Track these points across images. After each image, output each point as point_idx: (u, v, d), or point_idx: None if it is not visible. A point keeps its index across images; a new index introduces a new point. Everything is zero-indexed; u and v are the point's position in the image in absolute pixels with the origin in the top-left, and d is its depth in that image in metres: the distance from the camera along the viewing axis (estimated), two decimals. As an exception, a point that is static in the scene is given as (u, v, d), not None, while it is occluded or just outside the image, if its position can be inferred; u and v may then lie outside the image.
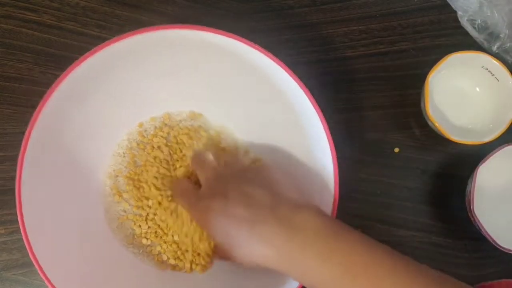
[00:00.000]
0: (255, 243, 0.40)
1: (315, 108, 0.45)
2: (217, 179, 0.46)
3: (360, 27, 0.57)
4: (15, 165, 0.55)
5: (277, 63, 0.44)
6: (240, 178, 0.45)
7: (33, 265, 0.53)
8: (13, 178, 0.55)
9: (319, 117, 0.45)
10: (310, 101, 0.45)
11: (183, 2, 0.57)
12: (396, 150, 0.55)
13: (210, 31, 0.43)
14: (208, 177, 0.47)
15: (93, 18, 0.57)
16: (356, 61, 0.56)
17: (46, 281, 0.43)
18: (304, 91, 0.45)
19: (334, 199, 0.45)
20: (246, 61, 0.46)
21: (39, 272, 0.43)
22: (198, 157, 0.49)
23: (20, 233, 0.54)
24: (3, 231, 0.54)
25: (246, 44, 0.44)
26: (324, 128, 0.45)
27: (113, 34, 0.56)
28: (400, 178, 0.54)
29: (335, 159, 0.45)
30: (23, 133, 0.55)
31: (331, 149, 0.45)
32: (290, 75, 0.44)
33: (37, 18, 0.56)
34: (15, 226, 0.54)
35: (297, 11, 0.57)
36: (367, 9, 0.57)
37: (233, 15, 0.57)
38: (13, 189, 0.54)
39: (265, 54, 0.44)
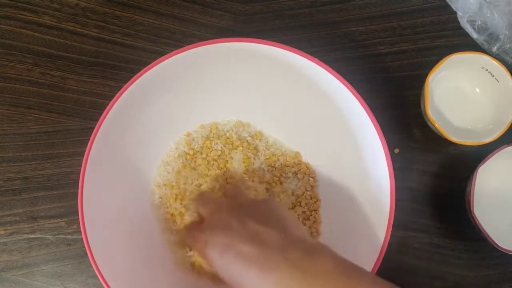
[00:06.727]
0: None
1: (374, 127, 0.45)
2: (219, 210, 0.44)
3: (359, 28, 0.57)
4: (13, 166, 0.55)
5: (332, 74, 0.45)
6: (243, 210, 0.43)
7: (33, 266, 0.54)
8: (10, 179, 0.55)
9: (379, 137, 0.45)
10: (368, 115, 0.45)
11: (182, 3, 0.57)
12: (396, 150, 0.55)
13: (263, 43, 0.45)
14: (211, 210, 0.45)
15: (93, 19, 0.57)
16: (356, 62, 0.56)
17: (99, 275, 0.43)
18: (359, 101, 0.45)
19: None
20: (296, 70, 0.47)
21: (93, 266, 0.43)
22: (200, 196, 0.49)
23: (20, 234, 0.54)
24: (3, 232, 0.54)
25: (299, 55, 0.45)
26: (382, 141, 0.46)
27: (114, 35, 0.57)
28: (400, 179, 0.54)
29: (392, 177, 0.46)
30: (23, 134, 0.55)
31: (387, 159, 0.46)
32: (347, 87, 0.45)
33: (37, 19, 0.57)
34: (15, 227, 0.54)
35: (297, 12, 0.57)
36: (367, 10, 0.57)
37: (233, 16, 0.57)
38: (10, 190, 0.55)
39: (323, 67, 0.45)
